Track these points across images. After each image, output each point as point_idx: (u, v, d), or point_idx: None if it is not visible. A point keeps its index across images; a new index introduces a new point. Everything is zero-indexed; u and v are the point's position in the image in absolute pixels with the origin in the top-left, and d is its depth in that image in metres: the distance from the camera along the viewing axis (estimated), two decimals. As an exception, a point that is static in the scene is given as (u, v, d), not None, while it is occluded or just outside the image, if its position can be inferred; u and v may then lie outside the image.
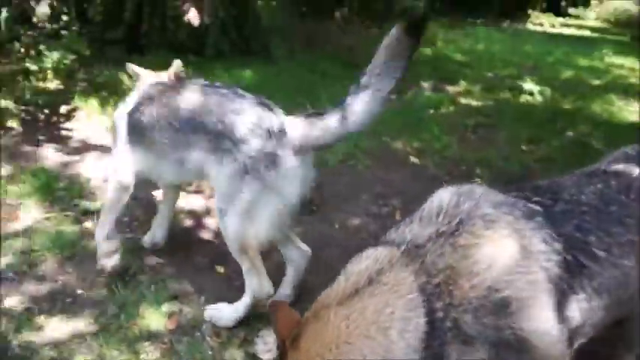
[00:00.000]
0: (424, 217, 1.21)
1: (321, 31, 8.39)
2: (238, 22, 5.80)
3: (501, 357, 1.08)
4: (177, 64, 2.24)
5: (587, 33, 13.22)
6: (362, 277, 1.12)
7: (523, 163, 3.80)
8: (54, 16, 4.80)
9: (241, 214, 1.87)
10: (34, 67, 4.34)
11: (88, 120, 3.97)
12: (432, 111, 4.88)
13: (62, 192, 2.85)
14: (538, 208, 1.19)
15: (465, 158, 3.80)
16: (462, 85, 6.05)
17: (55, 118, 3.92)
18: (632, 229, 1.23)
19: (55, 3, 3.16)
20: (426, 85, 5.94)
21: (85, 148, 3.51)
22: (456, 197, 1.20)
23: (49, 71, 4.42)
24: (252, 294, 1.98)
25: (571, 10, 16.09)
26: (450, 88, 5.92)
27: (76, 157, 3.34)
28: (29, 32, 4.84)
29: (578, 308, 1.16)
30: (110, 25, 5.49)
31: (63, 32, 4.90)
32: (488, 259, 1.08)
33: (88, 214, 2.68)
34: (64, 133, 3.72)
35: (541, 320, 1.09)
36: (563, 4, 15.84)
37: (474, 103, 5.39)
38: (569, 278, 1.14)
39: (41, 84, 4.37)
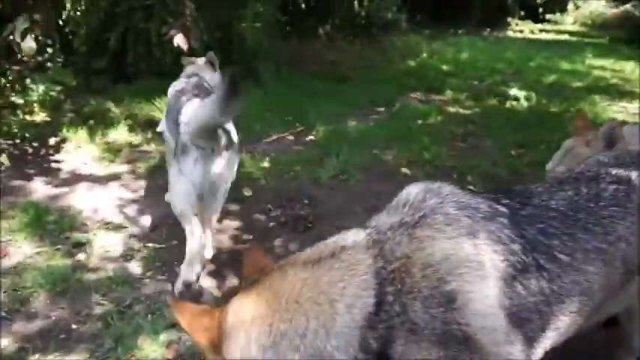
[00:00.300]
0: (392, 208, 1.28)
1: (306, 49, 8.48)
2: (223, 45, 5.85)
3: (452, 354, 1.08)
4: (210, 55, 2.90)
5: (566, 37, 13.50)
6: (327, 249, 1.19)
7: (513, 168, 3.83)
8: (39, 49, 4.81)
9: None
10: (20, 101, 4.34)
11: (77, 150, 3.95)
12: (420, 121, 4.92)
13: (52, 225, 2.81)
14: (504, 210, 1.21)
15: (455, 166, 3.81)
16: (449, 94, 6.12)
17: (43, 151, 3.89)
18: (599, 236, 1.24)
19: (39, 36, 3.17)
20: (413, 96, 6.01)
21: (75, 179, 3.48)
22: (424, 193, 1.25)
23: (35, 104, 4.41)
24: (187, 254, 2.30)
25: (549, 16, 16.46)
26: (437, 98, 5.99)
27: (66, 189, 3.30)
28: (14, 67, 4.85)
29: (535, 311, 1.16)
30: (95, 54, 5.51)
31: (48, 64, 4.91)
32: (442, 252, 1.11)
33: (80, 246, 2.64)
34: (53, 165, 3.69)
35: (488, 318, 1.09)
36: (540, 10, 16.19)
37: (461, 111, 5.45)
38: (525, 279, 1.14)
39: (28, 117, 4.35)
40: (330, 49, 8.92)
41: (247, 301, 1.16)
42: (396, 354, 1.07)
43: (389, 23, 10.88)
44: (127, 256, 2.60)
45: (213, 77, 2.82)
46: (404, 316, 1.07)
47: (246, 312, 1.14)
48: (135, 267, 2.51)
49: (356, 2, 10.35)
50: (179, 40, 3.15)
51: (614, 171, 1.40)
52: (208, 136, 2.18)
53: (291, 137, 4.46)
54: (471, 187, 3.48)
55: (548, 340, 1.21)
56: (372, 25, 10.43)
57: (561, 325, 1.21)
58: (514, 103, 5.79)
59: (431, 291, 1.07)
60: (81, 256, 2.55)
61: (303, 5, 10.04)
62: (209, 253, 2.56)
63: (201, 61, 2.91)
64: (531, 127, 4.80)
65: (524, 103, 5.78)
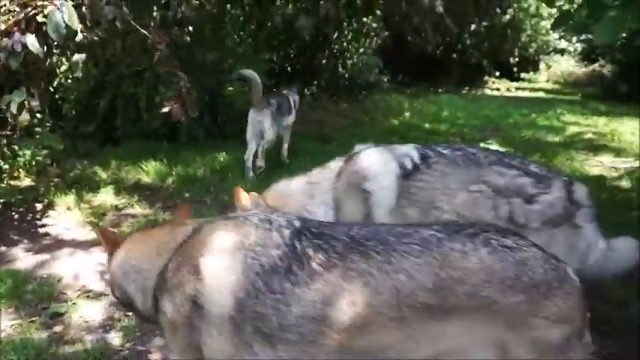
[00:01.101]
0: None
1: (292, 110, 8.72)
2: (211, 108, 6.02)
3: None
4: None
5: (541, 94, 14.18)
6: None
7: (497, 225, 3.87)
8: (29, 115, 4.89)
9: None
10: (5, 166, 4.35)
11: (62, 215, 3.91)
12: (404, 179, 5.01)
13: (31, 295, 2.73)
14: (297, 224, 1.40)
15: (440, 224, 3.85)
16: (431, 152, 6.29)
17: (30, 216, 3.85)
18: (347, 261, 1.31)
19: (29, 103, 3.24)
20: (396, 154, 6.16)
21: (58, 245, 3.43)
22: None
23: (21, 169, 4.42)
24: None
25: (523, 75, 17.36)
26: (420, 156, 6.14)
27: (47, 256, 3.24)
28: (3, 132, 4.90)
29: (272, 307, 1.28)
30: (84, 119, 5.61)
31: (36, 129, 4.97)
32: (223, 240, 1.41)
33: (58, 316, 2.56)
34: (38, 230, 3.65)
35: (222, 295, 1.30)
36: (515, 69, 17.09)
37: (443, 168, 5.58)
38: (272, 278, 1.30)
39: (13, 182, 4.34)
40: (315, 109, 9.21)
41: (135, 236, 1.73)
42: None
43: (371, 84, 11.36)
44: (107, 326, 2.52)
45: None
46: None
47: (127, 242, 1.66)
48: (114, 338, 2.42)
49: (340, 65, 10.84)
50: (176, 112, 3.24)
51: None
52: None
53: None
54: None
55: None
56: (355, 86, 10.87)
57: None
58: (494, 159, 5.96)
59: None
60: (58, 328, 2.47)
61: (290, 68, 10.49)
62: None
63: None
64: (512, 183, 4.91)
65: (505, 159, 5.95)
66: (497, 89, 15.09)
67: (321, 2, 7.44)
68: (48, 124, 5.15)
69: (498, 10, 14.24)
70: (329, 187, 2.22)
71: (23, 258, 3.22)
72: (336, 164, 2.29)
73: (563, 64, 17.57)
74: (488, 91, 14.54)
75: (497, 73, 16.41)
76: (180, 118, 3.31)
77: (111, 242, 1.68)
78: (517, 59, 16.72)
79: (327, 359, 1.27)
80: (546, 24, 15.83)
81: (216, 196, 4.35)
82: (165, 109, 3.22)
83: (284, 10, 8.39)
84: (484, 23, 14.15)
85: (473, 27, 13.97)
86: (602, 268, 2.09)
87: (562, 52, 17.53)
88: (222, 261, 1.35)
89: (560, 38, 16.36)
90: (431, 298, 1.24)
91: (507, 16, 14.70)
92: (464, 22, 12.81)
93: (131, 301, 1.59)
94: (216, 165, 5.15)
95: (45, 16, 2.70)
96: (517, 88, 15.43)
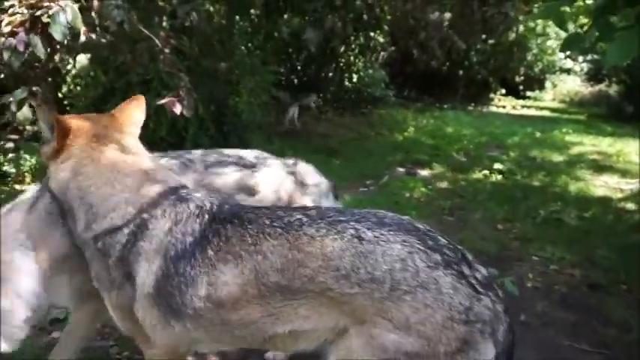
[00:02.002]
0: None
1: (298, 122, 8.78)
2: (217, 118, 6.06)
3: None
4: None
5: (546, 113, 14.19)
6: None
7: (500, 243, 3.85)
8: (35, 120, 4.94)
9: None
10: (12, 170, 4.37)
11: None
12: (407, 195, 5.01)
13: (30, 300, 2.72)
14: (215, 209, 1.48)
15: (443, 241, 3.83)
16: (435, 167, 6.29)
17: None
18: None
19: (35, 107, 3.29)
20: (400, 169, 6.16)
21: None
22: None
23: (26, 173, 4.45)
24: None
25: (529, 93, 17.41)
26: (424, 172, 6.15)
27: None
28: (11, 136, 4.94)
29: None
30: (91, 125, 5.66)
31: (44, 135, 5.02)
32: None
33: (56, 322, 2.55)
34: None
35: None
36: (521, 87, 17.14)
37: (447, 185, 5.57)
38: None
39: (17, 186, 4.35)
40: (320, 121, 9.26)
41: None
42: None
43: (377, 98, 11.41)
44: (105, 334, 2.50)
45: None
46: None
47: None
48: (112, 346, 2.40)
49: (346, 79, 10.91)
50: (172, 106, 3.30)
51: None
52: None
53: (280, 209, 4.49)
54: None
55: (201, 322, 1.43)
56: (361, 100, 10.92)
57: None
58: (499, 177, 5.95)
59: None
60: (56, 334, 2.45)
61: (296, 81, 10.56)
62: None
63: None
64: (517, 201, 4.90)
65: (509, 177, 5.95)
66: (503, 107, 15.12)
67: (328, 16, 7.53)
68: (55, 130, 5.20)
69: (502, 28, 14.35)
70: None
71: (24, 262, 3.21)
72: None
73: (570, 83, 17.63)
74: (493, 109, 14.56)
75: (503, 91, 16.47)
76: (176, 113, 3.34)
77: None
78: (523, 77, 16.79)
79: (216, 330, 1.44)
80: (552, 43, 15.93)
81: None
82: (162, 101, 3.24)
83: (291, 23, 8.48)
84: (490, 41, 14.24)
85: (479, 45, 14.07)
86: None
87: (568, 71, 17.62)
88: (152, 245, 1.45)
89: (565, 58, 16.45)
90: (281, 278, 1.32)
91: (514, 35, 14.81)
92: (471, 39, 12.90)
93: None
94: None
95: (49, 17, 2.74)
96: (523, 106, 15.46)
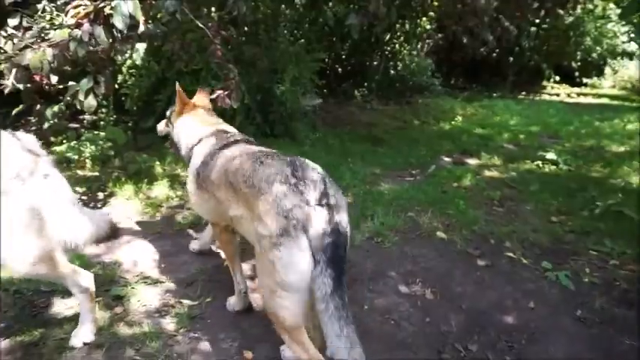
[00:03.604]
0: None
1: (342, 111, 8.77)
2: (263, 107, 6.14)
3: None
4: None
5: (605, 101, 13.38)
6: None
7: (554, 236, 3.70)
8: (96, 109, 5.22)
9: None
10: (75, 157, 4.65)
11: (123, 205, 4.13)
12: (455, 184, 4.90)
13: (95, 277, 2.90)
14: (230, 139, 2.49)
15: (493, 232, 3.73)
16: (484, 157, 6.10)
17: (92, 204, 4.10)
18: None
19: (98, 96, 3.50)
20: (447, 159, 6.02)
21: (118, 232, 3.61)
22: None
23: (87, 160, 4.71)
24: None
25: (586, 80, 16.45)
26: (472, 161, 5.98)
27: (108, 243, 3.42)
28: (72, 124, 5.24)
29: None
30: (144, 114, 5.89)
31: (102, 123, 5.29)
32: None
33: (119, 299, 2.70)
34: (99, 218, 3.85)
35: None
36: (576, 74, 16.23)
37: (497, 175, 5.40)
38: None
39: (79, 172, 4.63)
40: (364, 110, 9.19)
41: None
42: None
43: (423, 86, 11.18)
44: (162, 311, 2.63)
45: None
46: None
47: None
48: (169, 323, 2.53)
49: (391, 67, 10.74)
50: (221, 99, 3.42)
51: None
52: None
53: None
54: (511, 255, 3.38)
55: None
56: (407, 89, 10.73)
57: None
58: (552, 167, 5.70)
59: None
60: (118, 310, 2.61)
61: (340, 70, 10.51)
62: None
63: None
64: (572, 192, 4.68)
65: (564, 167, 5.68)
66: (557, 94, 14.40)
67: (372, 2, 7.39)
68: (112, 119, 5.46)
69: (561, 12, 13.57)
70: None
71: (87, 243, 3.42)
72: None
73: (632, 68, 16.49)
74: (546, 97, 13.90)
75: (557, 78, 15.66)
76: (225, 105, 3.45)
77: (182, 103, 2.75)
78: (579, 63, 15.87)
79: (215, 203, 2.34)
80: (613, 26, 14.93)
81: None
82: (213, 96, 3.36)
83: (336, 10, 8.42)
84: (544, 25, 13.53)
85: (532, 29, 13.40)
86: None
87: (631, 56, 16.45)
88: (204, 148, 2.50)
89: (629, 41, 15.35)
90: (232, 178, 2.13)
91: (571, 18, 14.00)
92: (522, 22, 12.30)
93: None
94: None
95: (112, 8, 2.89)
96: (579, 94, 14.64)
